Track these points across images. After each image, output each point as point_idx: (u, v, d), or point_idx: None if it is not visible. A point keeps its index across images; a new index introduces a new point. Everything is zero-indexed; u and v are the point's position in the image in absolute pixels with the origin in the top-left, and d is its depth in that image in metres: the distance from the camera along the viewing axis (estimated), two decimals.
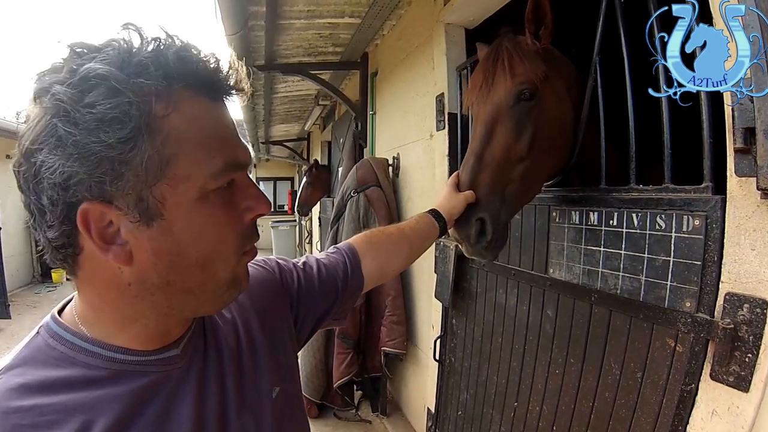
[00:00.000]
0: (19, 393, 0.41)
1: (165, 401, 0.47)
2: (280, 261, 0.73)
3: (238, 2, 2.03)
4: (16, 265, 6.48)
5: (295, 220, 9.02)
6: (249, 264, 0.68)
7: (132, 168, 0.39)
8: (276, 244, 8.47)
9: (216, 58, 0.44)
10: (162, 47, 0.41)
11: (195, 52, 0.43)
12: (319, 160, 5.61)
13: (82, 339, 0.45)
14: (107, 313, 0.46)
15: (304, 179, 5.32)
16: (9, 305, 4.78)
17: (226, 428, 0.51)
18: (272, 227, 8.59)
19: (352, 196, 2.59)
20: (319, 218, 5.53)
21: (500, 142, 1.00)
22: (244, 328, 0.59)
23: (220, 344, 0.55)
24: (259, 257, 0.73)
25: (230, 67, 0.46)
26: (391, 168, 2.66)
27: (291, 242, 8.62)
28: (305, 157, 7.64)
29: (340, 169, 3.86)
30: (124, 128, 0.38)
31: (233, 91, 0.47)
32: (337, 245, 0.83)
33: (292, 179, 11.22)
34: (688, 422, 0.85)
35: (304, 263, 0.75)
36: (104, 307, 0.46)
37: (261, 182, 11.67)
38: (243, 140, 0.48)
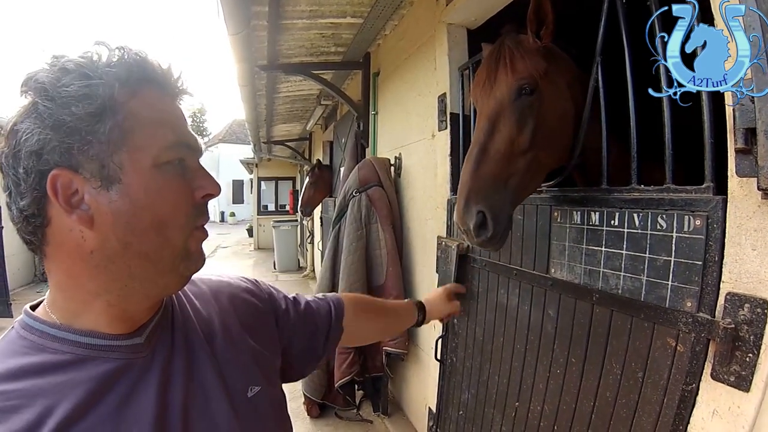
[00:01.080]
0: None
1: (127, 389, 0.49)
2: (272, 288, 0.77)
3: (241, 2, 2.04)
4: (18, 264, 6.49)
5: (296, 220, 9.03)
6: (239, 278, 0.74)
7: (96, 138, 0.46)
8: (278, 244, 8.48)
9: (168, 64, 0.53)
10: (125, 53, 0.49)
11: (151, 58, 0.51)
12: (321, 160, 5.62)
13: (50, 326, 0.48)
14: (73, 290, 0.49)
15: (307, 179, 5.34)
16: (11, 304, 4.80)
17: (190, 420, 0.52)
18: (274, 227, 8.60)
19: (354, 196, 2.60)
20: (321, 218, 5.54)
21: (503, 134, 1.02)
22: (221, 327, 0.61)
23: (190, 338, 0.57)
24: (250, 276, 0.76)
25: (180, 73, 0.54)
26: (393, 168, 2.67)
27: (293, 242, 8.63)
28: (307, 157, 7.66)
29: (342, 169, 3.87)
30: (92, 104, 0.46)
31: (183, 92, 0.55)
32: (326, 294, 0.89)
33: (293, 179, 11.24)
34: (688, 422, 0.86)
35: (294, 297, 0.80)
36: (70, 285, 0.49)
37: (262, 182, 11.70)
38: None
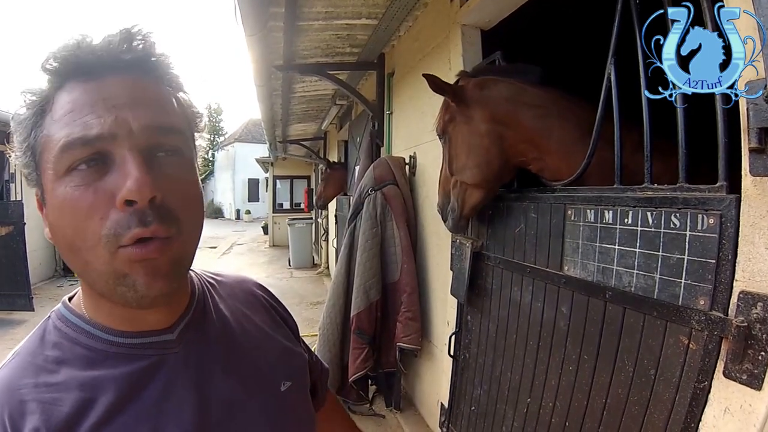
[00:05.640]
0: (27, 371, 0.45)
1: (162, 384, 0.48)
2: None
3: (258, 4, 2.08)
4: (39, 259, 6.61)
5: (311, 218, 9.12)
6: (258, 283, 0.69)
7: (28, 160, 0.45)
8: (292, 241, 8.57)
9: (111, 36, 0.44)
10: (51, 59, 0.43)
11: (73, 43, 0.43)
12: (335, 159, 5.78)
13: (83, 321, 0.48)
14: (86, 292, 0.50)
15: (321, 177, 5.56)
16: (32, 298, 4.92)
17: (229, 412, 0.51)
18: (289, 225, 8.70)
19: (369, 194, 2.63)
20: (336, 216, 5.61)
21: (442, 165, 1.58)
22: (252, 323, 0.61)
23: (225, 332, 0.56)
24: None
25: (106, 43, 0.44)
26: (408, 167, 2.69)
27: (307, 239, 8.72)
28: (322, 156, 7.73)
29: (357, 168, 3.91)
30: (23, 133, 0.45)
31: (119, 62, 0.44)
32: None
33: (308, 178, 11.34)
34: (700, 420, 0.86)
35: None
36: (82, 285, 0.50)
37: (278, 180, 11.83)
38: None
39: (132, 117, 0.42)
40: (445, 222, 1.61)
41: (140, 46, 0.45)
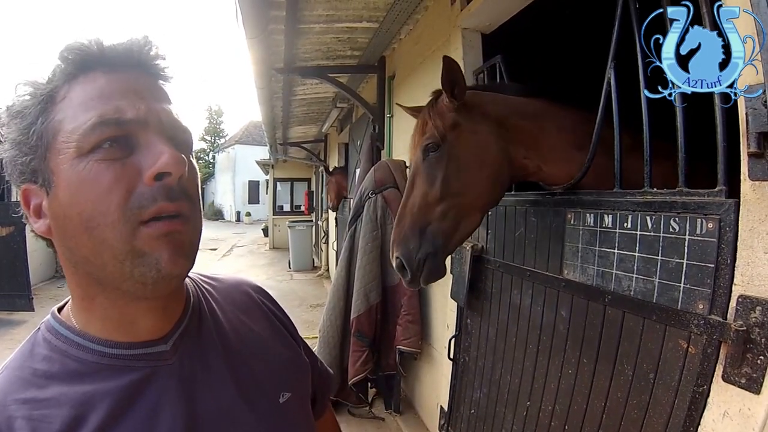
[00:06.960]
0: (17, 386, 0.44)
1: (154, 397, 0.47)
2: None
3: (259, 7, 2.09)
4: (40, 260, 6.62)
5: (311, 220, 9.13)
6: (258, 286, 0.66)
7: (32, 146, 0.45)
8: (293, 244, 8.58)
9: (129, 39, 0.47)
10: (66, 53, 0.46)
11: (97, 38, 0.46)
12: (335, 161, 5.83)
13: (73, 332, 0.47)
14: (77, 296, 0.48)
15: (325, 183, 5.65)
16: (32, 298, 4.94)
17: (221, 427, 0.50)
18: (289, 227, 8.71)
19: (369, 197, 2.63)
20: (336, 218, 5.63)
21: (418, 190, 1.20)
22: (252, 331, 0.59)
23: (221, 342, 0.55)
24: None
25: (143, 44, 0.48)
26: (408, 170, 2.70)
27: (307, 242, 8.73)
28: (322, 159, 7.75)
29: (358, 171, 3.92)
30: (25, 120, 0.45)
31: (142, 63, 0.48)
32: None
33: (309, 180, 11.35)
34: (699, 423, 0.86)
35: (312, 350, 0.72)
36: (73, 290, 0.48)
37: (278, 183, 11.85)
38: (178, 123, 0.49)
39: (160, 110, 0.47)
40: (410, 272, 1.16)
41: (157, 51, 0.49)
